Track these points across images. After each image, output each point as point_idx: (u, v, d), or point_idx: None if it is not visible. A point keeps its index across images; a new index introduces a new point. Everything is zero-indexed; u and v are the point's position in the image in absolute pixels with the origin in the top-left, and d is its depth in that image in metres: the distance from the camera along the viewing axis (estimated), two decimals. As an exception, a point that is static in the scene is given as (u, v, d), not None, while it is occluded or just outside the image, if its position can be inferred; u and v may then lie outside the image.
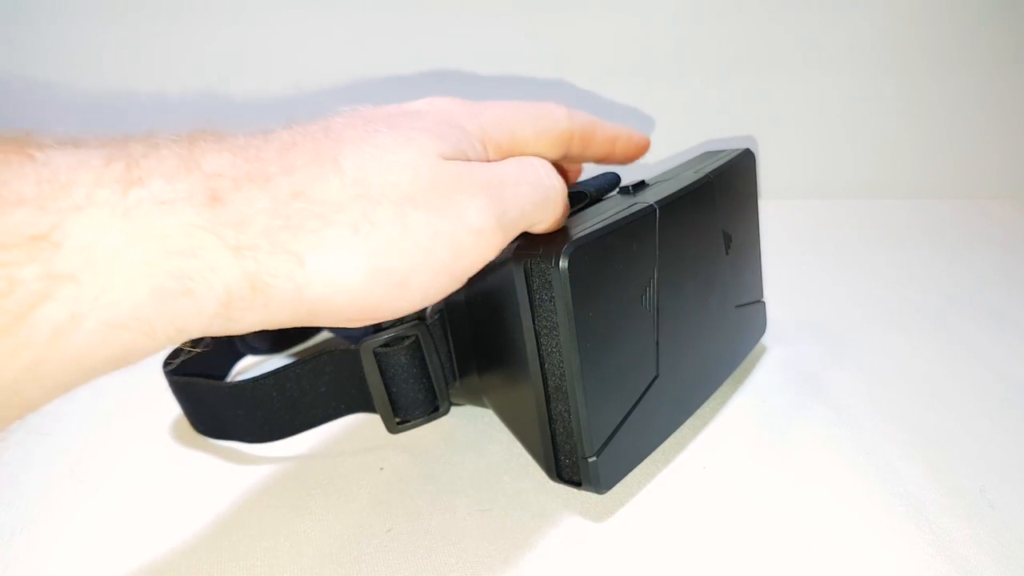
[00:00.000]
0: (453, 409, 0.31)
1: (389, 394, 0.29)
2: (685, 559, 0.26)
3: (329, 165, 0.19)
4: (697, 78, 0.63)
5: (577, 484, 0.26)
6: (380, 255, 0.18)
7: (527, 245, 0.24)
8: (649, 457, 0.29)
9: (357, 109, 0.22)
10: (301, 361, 0.30)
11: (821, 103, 0.64)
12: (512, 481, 0.30)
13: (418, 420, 0.30)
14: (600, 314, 0.25)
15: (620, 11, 0.61)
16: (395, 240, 0.19)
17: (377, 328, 0.28)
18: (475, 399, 0.32)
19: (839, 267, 0.52)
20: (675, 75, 0.63)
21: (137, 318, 0.15)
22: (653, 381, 0.28)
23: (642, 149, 0.31)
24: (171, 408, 0.35)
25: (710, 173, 0.31)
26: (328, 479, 0.31)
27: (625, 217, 0.26)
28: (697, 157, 0.36)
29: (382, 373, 0.29)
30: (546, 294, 0.24)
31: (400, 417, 0.30)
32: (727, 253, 0.32)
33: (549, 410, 0.26)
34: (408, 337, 0.28)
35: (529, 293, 0.24)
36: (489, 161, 0.23)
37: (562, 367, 0.24)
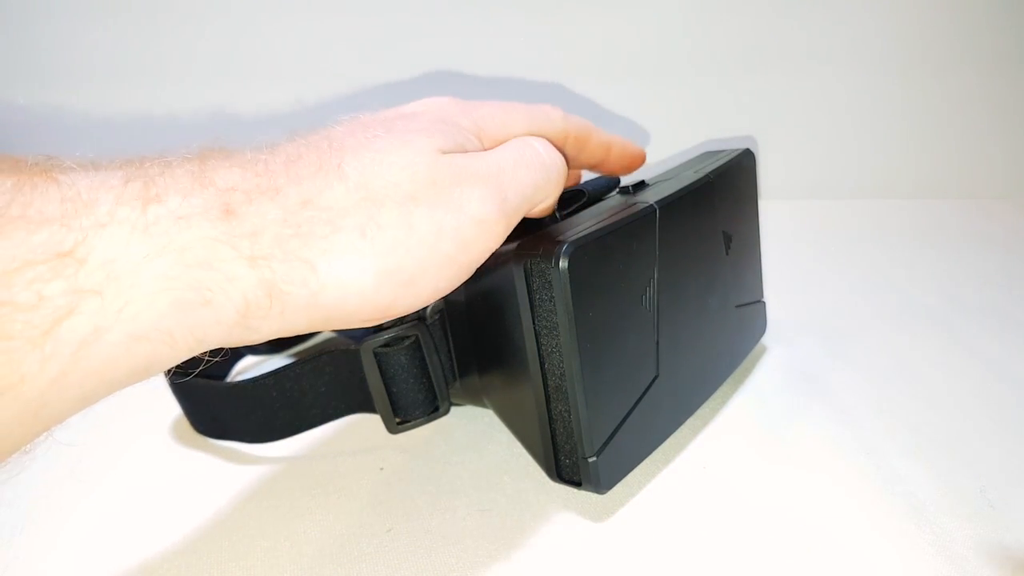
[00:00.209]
0: (453, 409, 0.31)
1: (389, 394, 0.29)
2: (685, 559, 0.26)
3: (333, 173, 0.19)
4: (697, 78, 0.63)
5: (577, 484, 0.26)
6: (387, 255, 0.19)
7: (527, 245, 0.24)
8: (649, 457, 0.29)
9: (356, 117, 0.22)
10: (301, 361, 0.30)
11: (821, 103, 0.64)
12: (512, 481, 0.30)
13: (418, 420, 0.30)
14: (600, 314, 0.25)
15: (620, 11, 0.61)
16: (401, 239, 0.19)
17: (377, 328, 0.28)
18: (475, 399, 0.32)
19: (839, 267, 0.52)
20: (675, 75, 0.63)
21: (158, 329, 0.16)
22: (653, 381, 0.28)
23: (638, 160, 0.31)
24: (171, 408, 0.35)
25: (710, 173, 0.31)
26: (328, 479, 0.31)
27: (625, 217, 0.26)
28: (697, 157, 0.35)
29: (382, 373, 0.29)
30: (546, 294, 0.24)
31: (400, 417, 0.30)
32: (727, 253, 0.32)
33: (549, 410, 0.26)
34: (408, 337, 0.28)
35: (529, 293, 0.24)
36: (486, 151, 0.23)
37: (562, 367, 0.24)
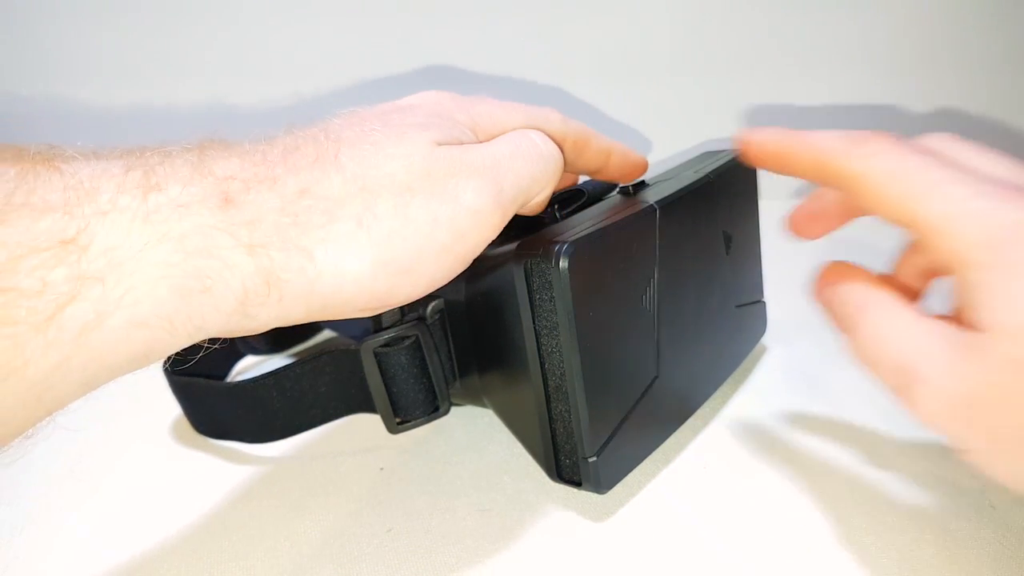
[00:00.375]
0: (453, 409, 0.31)
1: (389, 394, 0.29)
2: (685, 559, 0.26)
3: (330, 164, 0.19)
4: (697, 78, 0.63)
5: (577, 484, 0.26)
6: (384, 245, 0.19)
7: (527, 245, 0.24)
8: (649, 457, 0.29)
9: (353, 111, 0.22)
10: (301, 361, 0.30)
11: (821, 103, 0.64)
12: (512, 481, 0.30)
13: (418, 420, 0.30)
14: (600, 314, 0.25)
15: (620, 10, 0.61)
16: (397, 229, 0.19)
17: (377, 328, 0.28)
18: (475, 399, 0.32)
19: (839, 267, 0.52)
20: (675, 75, 0.63)
21: (158, 316, 0.16)
22: (653, 381, 0.28)
23: (639, 169, 0.31)
24: (171, 408, 0.35)
25: (710, 173, 0.31)
26: (328, 479, 0.31)
27: (625, 217, 0.26)
28: (697, 157, 0.35)
29: (382, 373, 0.29)
30: (546, 294, 0.24)
31: (400, 417, 0.30)
32: (727, 253, 0.32)
33: (549, 410, 0.26)
34: (408, 337, 0.28)
35: (529, 293, 0.24)
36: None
37: (562, 367, 0.24)
